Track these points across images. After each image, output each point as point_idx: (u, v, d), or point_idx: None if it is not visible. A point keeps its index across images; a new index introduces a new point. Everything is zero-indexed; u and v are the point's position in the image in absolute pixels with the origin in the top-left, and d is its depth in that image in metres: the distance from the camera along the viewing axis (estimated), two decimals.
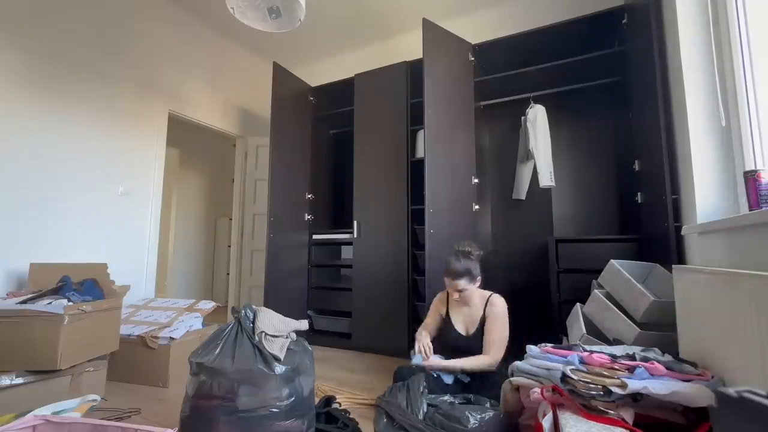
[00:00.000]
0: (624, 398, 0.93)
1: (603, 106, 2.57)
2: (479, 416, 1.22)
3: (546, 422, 0.96)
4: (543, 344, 1.26)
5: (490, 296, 1.74)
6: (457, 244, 1.80)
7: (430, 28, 2.40)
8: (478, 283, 1.73)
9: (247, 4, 1.71)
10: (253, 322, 1.33)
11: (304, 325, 1.46)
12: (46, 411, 1.21)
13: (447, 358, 1.70)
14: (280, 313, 1.44)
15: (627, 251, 1.99)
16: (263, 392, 1.17)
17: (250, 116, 3.97)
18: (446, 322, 1.80)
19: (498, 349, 1.62)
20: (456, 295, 1.70)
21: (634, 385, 0.92)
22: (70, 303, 1.70)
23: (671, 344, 1.28)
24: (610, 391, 0.93)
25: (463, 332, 1.75)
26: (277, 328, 1.35)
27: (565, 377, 1.02)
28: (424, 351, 1.65)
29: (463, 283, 1.67)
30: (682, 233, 1.55)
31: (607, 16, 2.28)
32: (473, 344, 1.68)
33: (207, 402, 1.17)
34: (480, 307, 1.73)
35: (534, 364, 1.16)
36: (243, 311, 1.35)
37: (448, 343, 1.76)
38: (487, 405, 1.36)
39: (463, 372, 1.63)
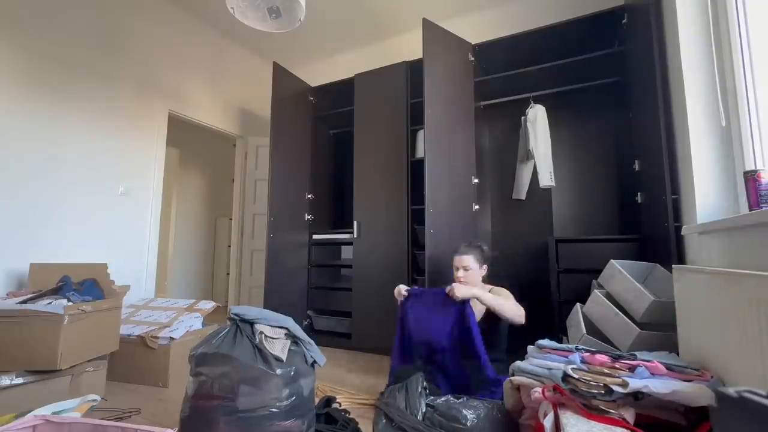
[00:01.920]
0: (625, 398, 0.93)
1: (603, 106, 2.57)
2: (476, 413, 1.24)
3: (547, 422, 0.96)
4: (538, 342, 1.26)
5: (491, 289, 1.80)
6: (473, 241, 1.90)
7: (430, 28, 2.40)
8: (483, 272, 1.76)
9: (247, 4, 1.71)
10: (252, 325, 1.33)
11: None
12: (46, 411, 1.21)
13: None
14: (281, 313, 1.44)
15: (627, 251, 1.99)
16: (263, 392, 1.17)
17: (250, 116, 3.97)
18: None
19: (515, 304, 1.66)
20: (460, 272, 1.71)
21: (635, 383, 0.92)
22: (70, 303, 1.70)
23: (671, 344, 1.28)
24: (612, 390, 0.93)
25: None
26: (275, 330, 1.35)
27: (566, 377, 1.02)
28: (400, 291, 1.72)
29: (468, 259, 1.72)
30: (682, 233, 1.55)
31: (607, 16, 2.28)
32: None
33: (207, 402, 1.17)
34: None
35: (535, 364, 1.16)
36: (236, 318, 1.34)
37: None
38: (485, 403, 1.37)
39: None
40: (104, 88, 2.68)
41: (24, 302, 1.67)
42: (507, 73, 2.55)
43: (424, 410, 1.31)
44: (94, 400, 1.43)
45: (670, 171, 1.65)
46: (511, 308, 1.61)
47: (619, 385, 0.93)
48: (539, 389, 1.05)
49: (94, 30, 2.64)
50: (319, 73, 3.76)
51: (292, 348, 1.32)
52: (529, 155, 2.57)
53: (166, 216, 4.60)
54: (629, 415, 0.92)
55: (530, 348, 1.27)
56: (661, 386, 0.91)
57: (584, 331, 1.56)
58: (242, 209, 3.89)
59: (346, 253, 3.32)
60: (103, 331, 1.83)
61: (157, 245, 3.04)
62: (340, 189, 3.50)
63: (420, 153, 2.73)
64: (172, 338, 2.03)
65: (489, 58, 2.70)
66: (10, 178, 2.18)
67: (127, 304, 2.37)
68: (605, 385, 0.94)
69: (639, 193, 2.05)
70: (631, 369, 0.99)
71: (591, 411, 0.93)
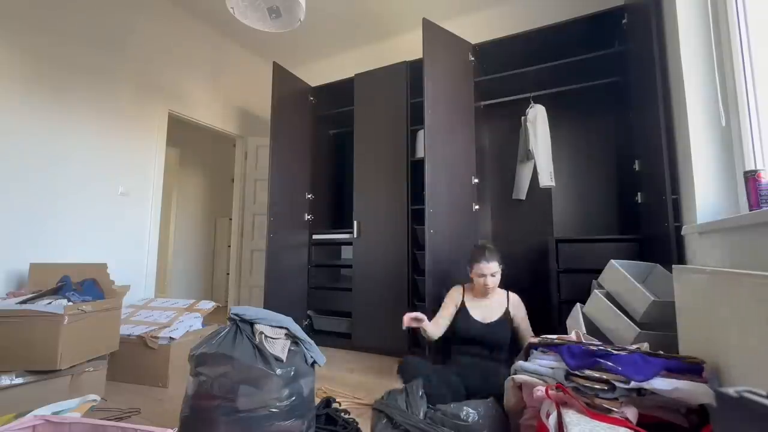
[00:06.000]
0: (628, 395, 0.93)
1: (603, 106, 2.57)
2: (477, 410, 1.26)
3: (551, 420, 0.96)
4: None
5: (508, 293, 1.89)
6: (481, 242, 1.97)
7: (430, 28, 2.40)
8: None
9: (247, 4, 1.71)
10: (252, 325, 1.33)
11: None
12: (46, 411, 1.21)
13: (460, 345, 1.82)
14: (281, 313, 1.44)
15: (627, 251, 1.99)
16: (263, 392, 1.17)
17: (250, 116, 3.97)
18: (462, 311, 1.86)
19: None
20: (488, 281, 1.78)
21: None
22: (70, 303, 1.70)
23: (671, 344, 1.28)
24: (614, 387, 0.93)
25: (480, 320, 1.82)
26: (275, 330, 1.35)
27: (569, 375, 1.02)
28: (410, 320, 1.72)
29: (495, 266, 1.79)
30: (682, 233, 1.55)
31: (607, 16, 2.28)
32: (490, 332, 1.78)
33: (207, 402, 1.17)
34: (500, 301, 1.86)
35: (538, 363, 1.16)
36: (236, 318, 1.34)
37: (466, 330, 1.81)
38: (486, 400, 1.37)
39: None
40: (104, 87, 2.68)
41: (24, 302, 1.67)
42: (507, 73, 2.55)
43: (425, 409, 1.32)
44: (94, 400, 1.43)
45: (670, 171, 1.65)
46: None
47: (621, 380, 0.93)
48: (542, 388, 1.05)
49: (94, 30, 2.63)
50: (319, 73, 3.76)
51: (292, 348, 1.32)
52: (529, 155, 2.57)
53: (166, 216, 4.60)
54: (632, 414, 0.92)
55: (533, 348, 1.27)
56: (663, 383, 0.91)
57: (584, 331, 1.55)
58: (242, 209, 3.89)
59: (346, 253, 3.32)
60: (103, 331, 1.83)
61: (157, 245, 3.04)
62: (340, 189, 3.49)
63: (420, 153, 2.73)
64: (172, 338, 2.03)
65: (489, 58, 2.70)
66: (10, 178, 2.18)
67: (127, 304, 2.37)
68: (608, 381, 0.94)
69: (639, 193, 2.05)
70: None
71: (594, 410, 0.93)
